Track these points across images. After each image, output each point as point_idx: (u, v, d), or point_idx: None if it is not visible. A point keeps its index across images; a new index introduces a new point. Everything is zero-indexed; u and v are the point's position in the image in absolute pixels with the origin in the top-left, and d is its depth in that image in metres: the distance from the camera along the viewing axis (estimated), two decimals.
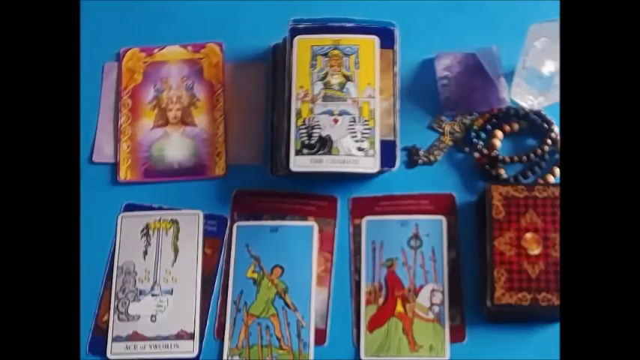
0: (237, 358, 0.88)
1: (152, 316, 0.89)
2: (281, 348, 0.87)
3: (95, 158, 0.95)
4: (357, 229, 0.91)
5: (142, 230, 0.92)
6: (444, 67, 0.96)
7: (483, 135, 0.94)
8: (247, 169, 0.94)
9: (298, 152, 0.87)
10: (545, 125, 0.93)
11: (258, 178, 0.94)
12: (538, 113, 0.93)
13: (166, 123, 0.97)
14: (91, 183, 0.94)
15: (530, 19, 0.89)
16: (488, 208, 0.86)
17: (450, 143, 0.95)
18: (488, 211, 0.86)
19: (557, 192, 0.85)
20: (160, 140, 0.96)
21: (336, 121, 0.88)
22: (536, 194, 0.86)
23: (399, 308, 0.88)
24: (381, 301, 0.89)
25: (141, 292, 0.90)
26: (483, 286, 0.85)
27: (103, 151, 0.96)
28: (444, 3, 1.00)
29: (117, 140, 0.96)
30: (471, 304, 0.88)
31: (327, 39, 0.90)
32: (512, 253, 0.84)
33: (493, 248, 0.84)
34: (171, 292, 0.90)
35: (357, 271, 0.90)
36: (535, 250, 0.84)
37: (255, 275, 0.90)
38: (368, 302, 0.89)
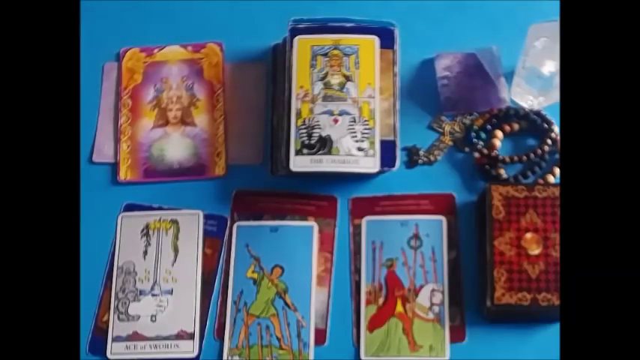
0: (237, 358, 0.88)
1: (152, 316, 0.89)
2: (281, 348, 0.87)
3: (95, 158, 0.95)
4: (357, 229, 0.91)
5: (142, 230, 0.92)
6: (444, 67, 0.96)
7: (483, 135, 0.94)
8: (247, 169, 0.94)
9: (298, 152, 0.87)
10: (545, 125, 0.93)
11: (258, 178, 0.94)
12: (538, 113, 0.93)
13: (166, 123, 0.96)
14: (91, 183, 0.94)
15: (530, 19, 0.89)
16: (488, 208, 0.86)
17: (450, 143, 0.95)
18: (488, 211, 0.86)
19: (557, 192, 0.85)
20: (160, 140, 0.96)
21: (336, 121, 0.88)
22: (536, 194, 0.86)
23: (399, 308, 0.88)
24: (381, 301, 0.89)
25: (141, 292, 0.90)
26: (483, 286, 0.85)
27: (103, 151, 0.96)
28: (444, 3, 1.00)
29: (117, 140, 0.96)
30: (471, 304, 0.88)
31: (327, 39, 0.90)
32: (512, 253, 0.84)
33: (493, 248, 0.84)
34: (171, 292, 0.90)
35: (357, 271, 0.90)
36: (535, 250, 0.84)
37: (255, 275, 0.90)
38: (368, 302, 0.89)
